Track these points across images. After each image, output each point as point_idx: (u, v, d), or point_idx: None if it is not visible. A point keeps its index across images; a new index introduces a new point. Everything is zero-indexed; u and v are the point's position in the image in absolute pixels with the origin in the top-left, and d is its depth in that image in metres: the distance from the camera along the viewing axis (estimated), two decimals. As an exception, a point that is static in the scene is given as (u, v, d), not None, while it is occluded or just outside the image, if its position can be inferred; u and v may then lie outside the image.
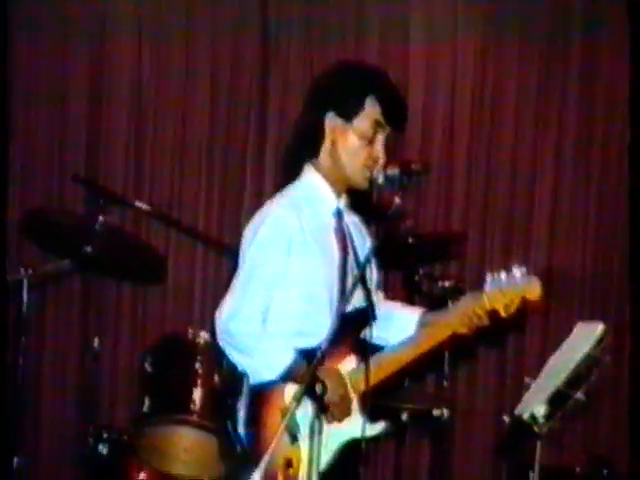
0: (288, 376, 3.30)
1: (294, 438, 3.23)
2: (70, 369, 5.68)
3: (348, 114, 3.43)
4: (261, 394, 3.36)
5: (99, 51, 5.74)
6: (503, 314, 3.42)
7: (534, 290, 3.41)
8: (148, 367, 4.60)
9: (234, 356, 3.39)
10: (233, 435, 3.42)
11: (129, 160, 5.74)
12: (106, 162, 5.73)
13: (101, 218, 4.72)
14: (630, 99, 5.79)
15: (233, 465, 3.52)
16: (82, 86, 5.73)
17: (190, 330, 4.57)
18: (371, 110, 3.42)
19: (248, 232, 3.45)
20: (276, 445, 2.86)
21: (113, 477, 4.68)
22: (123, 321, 5.73)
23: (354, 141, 3.43)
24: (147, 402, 4.54)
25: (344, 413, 3.29)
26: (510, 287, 3.40)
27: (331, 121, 3.45)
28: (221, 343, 3.39)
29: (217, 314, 3.38)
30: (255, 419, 3.34)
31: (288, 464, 3.19)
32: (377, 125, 3.42)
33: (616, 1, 5.89)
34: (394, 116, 3.46)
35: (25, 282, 4.64)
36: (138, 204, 5.16)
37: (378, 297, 3.71)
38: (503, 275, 3.41)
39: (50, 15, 5.67)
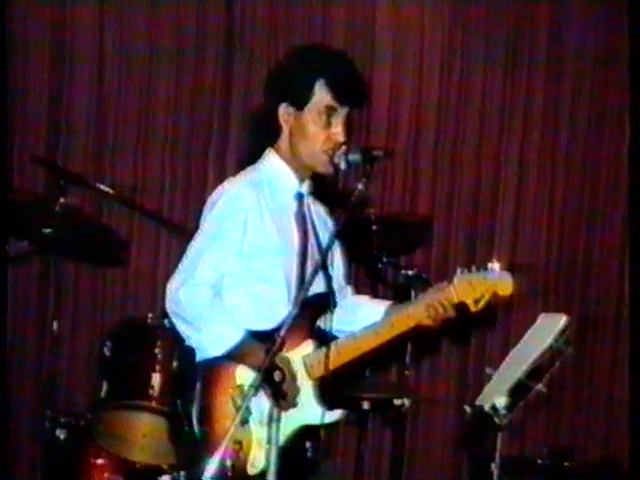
0: (235, 354, 3.28)
1: (244, 421, 3.18)
2: (28, 352, 5.62)
3: (299, 103, 3.41)
4: (210, 371, 3.33)
5: (60, 33, 5.64)
6: (472, 308, 3.36)
7: (506, 285, 3.34)
8: (107, 352, 4.56)
9: (182, 328, 3.36)
10: (183, 415, 3.37)
11: (90, 141, 5.66)
12: (67, 143, 5.66)
13: (62, 200, 4.64)
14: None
15: (183, 447, 3.50)
16: (43, 66, 5.64)
17: (150, 315, 4.53)
18: (321, 96, 3.39)
19: (205, 207, 3.45)
20: (229, 428, 2.85)
21: (71, 462, 4.62)
22: (83, 305, 5.66)
23: (309, 128, 3.40)
24: (105, 387, 4.52)
25: (290, 403, 3.25)
26: (480, 281, 3.34)
27: (285, 111, 3.43)
28: (170, 313, 3.37)
29: (168, 284, 3.36)
30: (204, 400, 3.31)
31: (239, 447, 3.18)
32: (330, 109, 3.39)
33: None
34: (349, 97, 3.42)
35: (-19, 263, 4.56)
36: (100, 186, 5.09)
37: (346, 291, 3.70)
38: (474, 268, 3.35)
39: (10, 2, 5.57)
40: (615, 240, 6.00)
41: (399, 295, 4.79)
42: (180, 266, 3.38)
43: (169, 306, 3.35)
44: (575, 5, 5.97)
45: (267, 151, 3.49)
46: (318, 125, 3.39)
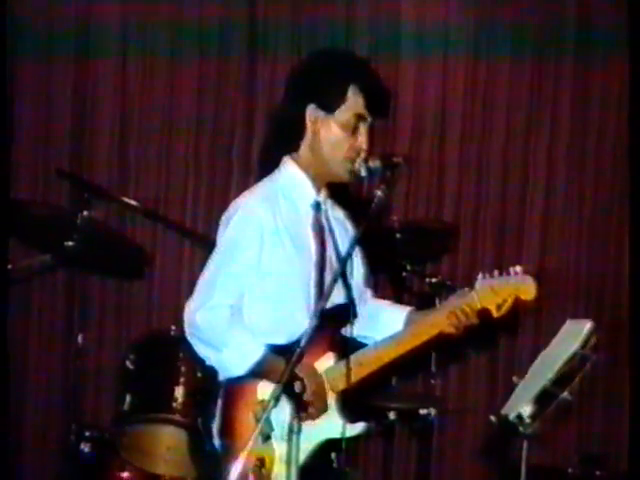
0: (257, 372, 3.23)
1: (266, 437, 3.14)
2: (53, 366, 5.62)
3: (330, 105, 3.34)
4: (232, 390, 3.29)
5: (85, 45, 5.67)
6: (495, 314, 3.31)
7: (529, 290, 3.30)
8: (130, 364, 4.55)
9: (201, 350, 3.32)
10: (203, 431, 3.35)
11: (114, 154, 5.68)
12: (91, 156, 5.68)
13: (85, 213, 4.63)
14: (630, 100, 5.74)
15: (203, 461, 3.47)
16: (67, 80, 5.67)
17: (173, 327, 4.51)
18: (353, 101, 3.34)
19: (221, 223, 3.40)
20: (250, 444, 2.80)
21: (95, 476, 4.63)
22: (107, 317, 5.68)
23: (336, 133, 3.34)
24: (128, 400, 4.50)
25: (319, 411, 3.21)
26: (503, 286, 3.30)
27: (312, 113, 3.36)
28: (188, 337, 3.33)
29: (186, 305, 3.32)
30: (226, 415, 3.27)
31: (260, 464, 3.13)
32: (359, 117, 3.34)
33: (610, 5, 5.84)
34: (377, 106, 3.38)
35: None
36: (123, 199, 5.09)
37: (366, 295, 3.65)
38: (496, 273, 3.31)
39: (34, 15, 5.61)
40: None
41: (424, 303, 4.76)
42: (197, 287, 3.33)
43: (187, 329, 3.31)
44: (602, 7, 5.89)
45: (285, 159, 3.44)
46: (345, 131, 3.33)
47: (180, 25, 5.70)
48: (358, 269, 3.58)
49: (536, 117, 5.91)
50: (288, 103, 3.47)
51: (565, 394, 3.45)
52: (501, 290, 3.30)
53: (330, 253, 3.40)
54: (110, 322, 5.67)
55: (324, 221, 3.44)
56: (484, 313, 3.33)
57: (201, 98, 5.73)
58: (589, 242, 5.96)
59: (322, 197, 3.46)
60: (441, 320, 3.34)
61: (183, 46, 5.71)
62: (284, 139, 3.45)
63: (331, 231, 3.45)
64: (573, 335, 3.50)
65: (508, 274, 3.30)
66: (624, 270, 5.89)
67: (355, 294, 3.42)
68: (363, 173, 3.30)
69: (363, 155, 3.32)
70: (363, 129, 3.35)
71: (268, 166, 3.49)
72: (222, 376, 3.33)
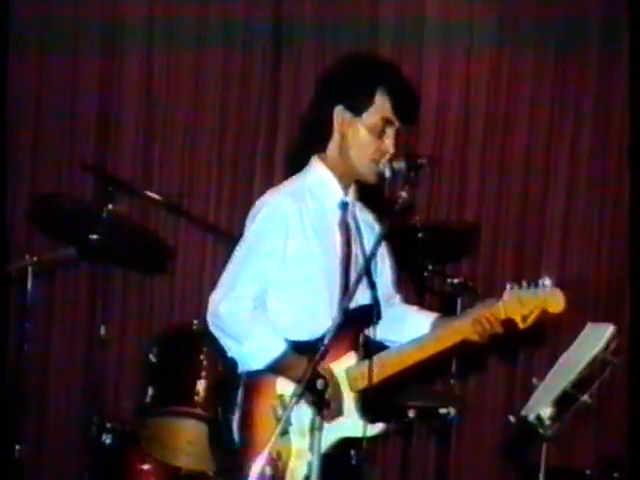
0: (276, 367, 3.27)
1: (284, 432, 3.17)
2: (76, 357, 5.67)
3: (358, 108, 3.38)
4: (251, 383, 3.33)
5: (110, 39, 5.71)
6: (520, 325, 3.31)
7: (557, 302, 3.29)
8: (152, 357, 4.58)
9: (223, 340, 3.36)
10: (223, 425, 3.38)
11: (139, 149, 5.71)
12: (116, 150, 5.71)
13: (109, 206, 4.67)
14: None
15: (222, 454, 3.49)
16: (93, 73, 5.70)
17: (195, 321, 4.53)
18: (381, 105, 3.37)
19: (248, 218, 3.44)
20: (269, 438, 2.84)
21: (117, 468, 4.65)
22: (130, 310, 5.71)
23: (363, 135, 3.38)
24: (150, 392, 4.53)
25: (334, 413, 3.23)
26: (531, 297, 3.29)
27: (340, 114, 3.40)
28: (211, 327, 3.37)
29: (210, 297, 3.36)
30: (245, 409, 3.31)
31: (277, 457, 3.17)
32: (386, 120, 3.37)
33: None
34: (404, 111, 3.40)
35: (30, 269, 4.58)
36: (147, 193, 5.12)
37: (394, 300, 3.68)
38: (525, 284, 3.30)
39: (61, 8, 5.63)
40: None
41: (445, 304, 4.78)
42: (222, 279, 3.37)
43: (210, 319, 3.35)
44: (626, 16, 5.88)
45: (312, 159, 3.47)
46: (373, 134, 3.37)
47: (205, 22, 5.72)
48: (386, 272, 3.61)
49: (558, 117, 5.89)
50: (317, 104, 3.51)
51: (585, 397, 3.47)
52: (528, 302, 3.29)
53: (356, 253, 3.42)
54: (132, 315, 5.70)
55: (351, 221, 3.47)
56: (509, 323, 3.32)
57: (225, 95, 5.75)
58: (610, 246, 5.95)
59: (350, 197, 3.49)
60: (466, 327, 3.34)
61: (208, 43, 5.73)
62: (312, 139, 3.49)
63: (358, 231, 3.47)
64: (594, 338, 3.52)
65: (537, 286, 3.29)
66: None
67: (382, 296, 3.44)
68: (388, 174, 3.33)
69: (388, 156, 3.35)
70: (390, 132, 3.38)
71: (296, 165, 3.52)
72: (241, 368, 3.36)
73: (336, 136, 3.43)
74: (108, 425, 4.63)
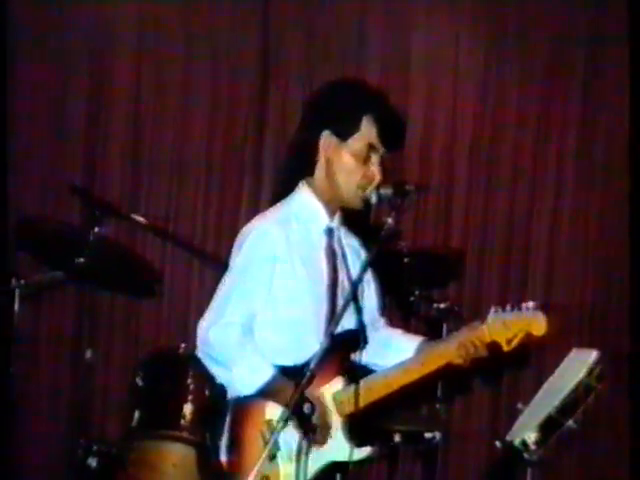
0: (265, 392, 3.28)
1: (272, 456, 3.19)
2: (62, 380, 5.65)
3: (344, 133, 3.39)
4: (240, 409, 3.34)
5: (99, 62, 5.75)
6: (505, 348, 3.31)
7: (540, 325, 3.28)
8: (139, 381, 4.58)
9: (212, 368, 3.37)
10: (211, 449, 3.39)
11: (126, 172, 5.74)
12: (103, 173, 5.73)
13: (96, 229, 4.67)
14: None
15: (210, 478, 3.50)
16: (81, 96, 5.73)
17: (182, 344, 4.54)
18: (367, 131, 3.39)
19: (235, 244, 3.45)
20: (256, 463, 2.86)
21: (102, 491, 4.64)
22: (117, 333, 5.72)
23: (348, 160, 3.39)
24: (137, 416, 4.53)
25: (322, 438, 3.25)
26: (515, 320, 3.30)
27: (326, 139, 3.41)
28: (200, 354, 3.38)
29: (199, 323, 3.37)
30: (233, 434, 3.32)
31: None
32: (371, 147, 3.39)
33: (619, 24, 5.90)
34: (390, 138, 3.42)
35: (17, 292, 4.58)
36: (134, 217, 5.12)
37: (380, 324, 3.69)
38: (508, 308, 3.32)
39: (50, 28, 5.66)
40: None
41: (431, 328, 4.80)
42: (211, 305, 3.38)
43: (199, 346, 3.36)
44: (611, 43, 5.95)
45: (300, 185, 3.49)
46: (358, 159, 3.38)
47: (193, 48, 5.77)
48: (372, 297, 3.62)
49: (543, 144, 5.98)
50: (304, 128, 3.53)
51: (570, 422, 3.49)
52: (512, 325, 3.30)
53: (342, 278, 3.44)
54: (119, 338, 5.71)
55: (337, 247, 3.48)
56: (494, 346, 3.34)
57: (212, 119, 5.79)
58: (594, 270, 6.00)
59: (335, 223, 3.51)
60: (450, 351, 3.36)
61: (195, 68, 5.78)
62: (299, 163, 3.51)
63: (344, 257, 3.49)
64: (578, 364, 3.55)
65: (520, 309, 3.30)
66: (627, 303, 5.95)
67: (367, 321, 3.46)
68: (374, 200, 3.35)
69: (375, 183, 3.37)
70: (375, 159, 3.40)
71: (284, 189, 3.53)
72: (231, 394, 3.37)
73: (322, 161, 3.44)
74: (94, 448, 4.61)
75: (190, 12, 5.77)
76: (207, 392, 4.40)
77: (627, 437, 5.73)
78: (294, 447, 3.13)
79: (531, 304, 3.30)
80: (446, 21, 5.97)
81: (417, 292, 4.91)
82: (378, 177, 3.38)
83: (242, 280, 3.36)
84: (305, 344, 3.27)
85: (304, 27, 5.83)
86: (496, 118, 5.95)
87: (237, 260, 3.40)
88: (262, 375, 3.28)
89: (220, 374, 3.36)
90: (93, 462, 4.60)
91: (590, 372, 3.51)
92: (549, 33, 5.97)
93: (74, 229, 4.99)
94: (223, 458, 3.31)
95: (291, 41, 5.83)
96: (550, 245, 5.97)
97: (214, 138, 5.78)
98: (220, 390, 3.43)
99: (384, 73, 5.85)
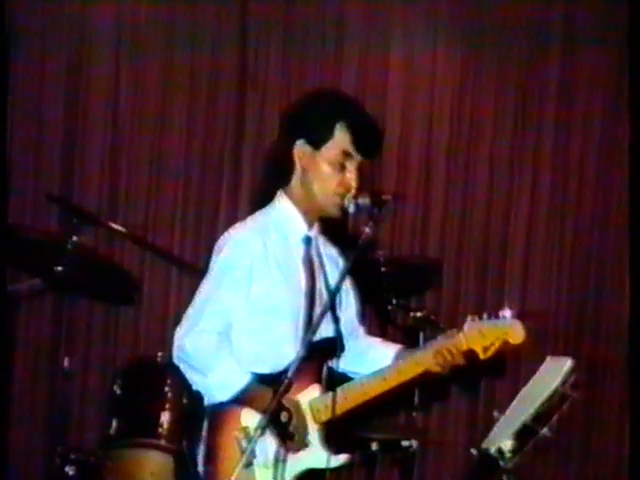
0: (241, 399, 3.29)
1: (249, 464, 3.20)
2: (40, 388, 5.64)
3: (317, 142, 3.40)
4: (216, 415, 3.34)
5: (76, 69, 5.73)
6: (481, 356, 3.32)
7: (517, 334, 3.29)
8: (117, 389, 4.58)
9: (188, 374, 3.38)
10: (189, 457, 3.40)
11: (104, 180, 5.73)
12: (81, 182, 5.72)
13: (74, 238, 4.67)
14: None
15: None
16: (58, 104, 5.71)
17: (160, 353, 4.55)
18: (340, 139, 3.40)
19: (214, 252, 3.46)
20: (233, 470, 2.88)
21: (80, 500, 4.63)
22: (95, 342, 5.71)
23: (323, 168, 3.40)
24: (114, 424, 4.52)
25: (298, 445, 3.26)
26: (491, 329, 3.31)
27: (300, 148, 3.43)
28: (177, 361, 3.39)
29: (176, 330, 3.38)
30: (210, 441, 3.32)
31: None
32: (346, 154, 3.39)
33: (594, 29, 5.97)
34: (365, 145, 3.42)
35: (-5, 300, 4.58)
36: (112, 225, 5.13)
37: (358, 332, 3.70)
38: (485, 316, 3.33)
39: (27, 30, 5.64)
40: (624, 286, 6.02)
41: (408, 337, 4.82)
42: (187, 312, 3.39)
43: (176, 353, 3.37)
44: (585, 52, 6.02)
45: (278, 193, 3.50)
46: (333, 167, 3.39)
47: (172, 57, 5.78)
48: (350, 305, 3.64)
49: (519, 153, 6.03)
50: (280, 138, 3.55)
51: (545, 430, 3.52)
52: (489, 333, 3.31)
53: (320, 287, 3.46)
54: (97, 346, 5.70)
55: (315, 256, 3.50)
56: (471, 355, 3.35)
57: (190, 129, 5.80)
58: (569, 278, 6.06)
59: (314, 232, 3.52)
60: (427, 358, 3.37)
61: (174, 78, 5.79)
62: (276, 173, 3.52)
63: (322, 266, 3.51)
64: (553, 372, 3.58)
65: (497, 317, 3.31)
66: (603, 311, 6.00)
67: (345, 329, 3.47)
68: (352, 209, 3.35)
69: (353, 191, 3.38)
70: (350, 166, 3.40)
71: (262, 199, 3.55)
72: (207, 401, 3.38)
73: (298, 170, 3.45)
74: (72, 456, 4.61)
75: (169, 17, 5.78)
76: (185, 400, 4.40)
77: (627, 437, 5.78)
78: (271, 455, 3.17)
79: (508, 313, 3.31)
80: (423, 27, 6.00)
81: (394, 301, 4.92)
82: (354, 184, 3.39)
83: (219, 288, 3.37)
84: (282, 352, 3.29)
85: (282, 33, 5.86)
86: (473, 124, 6.00)
87: (215, 268, 3.41)
88: (238, 381, 3.29)
89: (196, 380, 3.37)
90: (71, 470, 4.59)
91: (565, 381, 3.54)
92: (525, 38, 6.02)
93: (53, 238, 4.99)
94: (200, 466, 3.32)
95: (269, 47, 5.84)
96: (526, 253, 6.02)
97: (192, 146, 5.79)
98: (198, 398, 3.43)
99: (361, 80, 5.89)
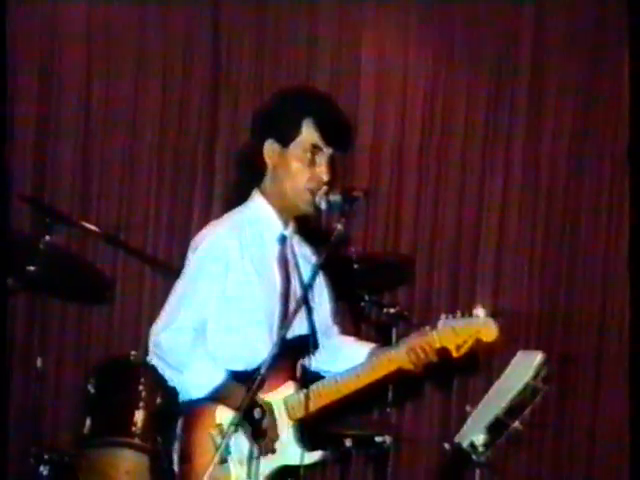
0: (216, 396, 3.30)
1: (223, 460, 3.21)
2: (12, 388, 5.60)
3: (285, 140, 3.42)
4: (191, 412, 3.35)
5: (48, 68, 5.71)
6: (454, 354, 3.34)
7: (490, 332, 3.32)
8: (91, 388, 4.56)
9: (164, 370, 3.40)
10: (164, 456, 3.41)
11: (76, 180, 5.72)
12: (53, 181, 5.71)
13: (47, 238, 4.66)
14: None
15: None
16: (30, 103, 5.69)
17: (133, 352, 4.54)
18: (308, 134, 3.41)
19: (189, 250, 3.46)
20: (208, 467, 2.89)
21: (54, 499, 4.63)
22: (68, 341, 5.69)
23: (293, 165, 3.41)
24: (88, 423, 4.50)
25: (270, 442, 3.28)
26: (464, 327, 3.33)
27: (269, 147, 3.44)
28: (153, 358, 3.39)
29: (151, 328, 3.39)
30: (185, 439, 3.33)
31: None
32: (315, 148, 3.41)
33: (565, 26, 6.02)
34: (334, 138, 3.44)
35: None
36: (85, 225, 5.11)
37: (332, 331, 3.71)
38: (459, 315, 3.35)
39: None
40: (596, 282, 6.07)
41: (381, 333, 4.85)
42: (163, 310, 3.40)
43: (151, 349, 3.38)
44: (557, 46, 6.07)
45: (253, 192, 3.52)
46: (302, 162, 3.40)
47: (144, 56, 5.78)
48: (324, 303, 3.66)
49: (491, 149, 6.07)
50: (250, 138, 3.56)
51: (516, 424, 3.55)
52: (462, 331, 3.33)
53: (295, 286, 3.47)
54: (70, 346, 5.69)
55: (290, 255, 3.51)
56: (444, 352, 3.37)
57: (163, 127, 5.80)
58: (540, 276, 6.10)
59: (289, 231, 3.53)
60: (400, 356, 3.38)
61: (146, 77, 5.79)
62: (248, 173, 3.54)
63: (297, 265, 3.53)
64: (525, 366, 3.61)
65: (470, 316, 3.34)
66: (574, 308, 6.05)
67: (320, 328, 3.49)
68: (324, 206, 3.36)
69: (324, 187, 3.39)
70: (320, 160, 3.41)
71: (236, 198, 3.56)
72: (183, 398, 3.39)
73: (269, 169, 3.47)
74: (46, 456, 4.60)
75: (141, 18, 5.78)
76: (159, 399, 4.39)
77: (627, 437, 5.81)
78: (245, 451, 3.18)
79: (481, 311, 3.34)
80: (395, 27, 6.02)
81: (367, 297, 4.94)
82: (326, 178, 3.40)
83: (194, 285, 3.38)
84: (256, 349, 3.30)
85: (255, 33, 5.87)
86: (445, 122, 6.04)
87: (190, 265, 3.43)
88: (213, 378, 3.30)
89: (172, 377, 3.38)
90: (45, 470, 4.58)
91: (536, 374, 3.57)
92: (496, 38, 6.06)
93: (25, 237, 4.98)
94: (175, 464, 3.32)
95: (242, 48, 5.86)
96: (498, 249, 6.06)
97: (165, 146, 5.79)
98: (172, 396, 3.44)
99: (334, 80, 5.91)
